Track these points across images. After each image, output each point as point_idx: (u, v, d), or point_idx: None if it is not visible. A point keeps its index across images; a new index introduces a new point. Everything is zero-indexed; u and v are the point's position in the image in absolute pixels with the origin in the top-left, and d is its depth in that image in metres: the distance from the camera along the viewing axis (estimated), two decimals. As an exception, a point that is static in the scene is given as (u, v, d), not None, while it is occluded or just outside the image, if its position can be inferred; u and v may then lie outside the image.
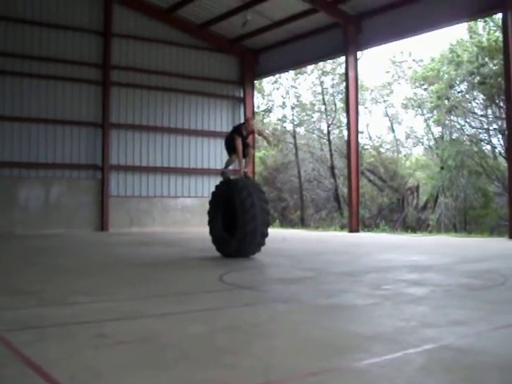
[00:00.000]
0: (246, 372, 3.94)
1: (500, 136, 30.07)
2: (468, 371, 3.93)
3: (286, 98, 40.72)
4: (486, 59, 28.69)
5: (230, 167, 14.98)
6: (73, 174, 25.78)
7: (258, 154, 35.47)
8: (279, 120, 42.17)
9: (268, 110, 42.38)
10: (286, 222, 36.15)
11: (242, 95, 31.15)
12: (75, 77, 25.81)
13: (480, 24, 29.18)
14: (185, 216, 28.66)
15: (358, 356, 4.33)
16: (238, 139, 13.58)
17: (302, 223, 35.67)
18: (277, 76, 38.28)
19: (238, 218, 12.48)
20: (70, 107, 25.70)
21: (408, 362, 4.16)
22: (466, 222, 31.03)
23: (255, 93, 33.24)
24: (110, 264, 11.80)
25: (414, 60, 36.12)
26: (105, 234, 24.70)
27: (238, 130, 13.95)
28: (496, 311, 6.19)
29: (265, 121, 42.12)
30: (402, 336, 4.97)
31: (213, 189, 29.49)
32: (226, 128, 30.31)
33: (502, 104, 27.52)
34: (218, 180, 29.62)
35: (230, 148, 14.07)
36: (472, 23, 28.97)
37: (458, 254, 13.53)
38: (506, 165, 24.47)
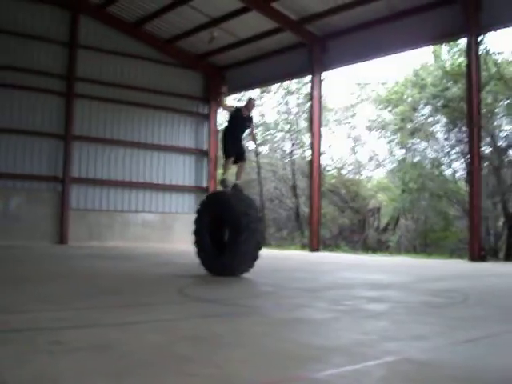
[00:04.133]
0: (205, 380, 3.87)
1: (461, 160, 30.41)
2: (429, 383, 3.90)
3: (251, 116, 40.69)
4: (450, 83, 29.05)
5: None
6: (33, 186, 25.46)
7: (220, 172, 35.33)
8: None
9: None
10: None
11: (206, 112, 31.19)
12: (39, 87, 25.61)
13: (444, 48, 29.58)
14: (145, 231, 28.46)
15: (318, 367, 4.28)
16: (229, 108, 12.85)
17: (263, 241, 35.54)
18: (241, 94, 38.33)
19: (229, 237, 11.76)
20: (33, 118, 25.47)
21: (368, 373, 4.13)
22: (426, 244, 31.28)
23: (220, 110, 33.18)
24: (70, 275, 11.62)
25: (378, 82, 36.43)
26: (64, 247, 24.41)
27: (237, 111, 12.68)
28: (456, 327, 6.20)
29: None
30: (363, 349, 4.93)
31: (175, 204, 29.55)
32: (190, 144, 30.35)
33: (464, 128, 27.85)
34: (180, 196, 29.91)
35: (225, 147, 12.72)
36: (436, 47, 29.36)
37: (418, 274, 13.61)
38: (466, 188, 24.73)
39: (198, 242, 12.40)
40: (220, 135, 13.31)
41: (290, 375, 4.08)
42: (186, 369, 4.13)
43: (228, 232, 11.89)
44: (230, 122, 12.79)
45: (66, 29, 26.54)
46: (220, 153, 34.93)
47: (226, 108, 12.89)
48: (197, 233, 12.50)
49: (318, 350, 4.86)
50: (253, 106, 13.03)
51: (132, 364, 4.24)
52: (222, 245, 12.02)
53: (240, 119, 12.54)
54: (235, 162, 12.79)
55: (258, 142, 40.60)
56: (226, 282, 10.99)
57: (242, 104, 13.27)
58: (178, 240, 28.48)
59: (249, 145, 13.78)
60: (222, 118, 39.16)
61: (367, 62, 26.14)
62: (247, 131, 13.08)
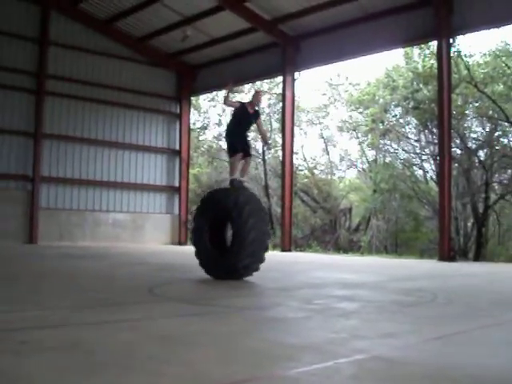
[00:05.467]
0: (174, 379, 3.84)
1: (432, 161, 30.67)
2: (398, 380, 3.93)
3: (223, 115, 40.75)
4: (421, 85, 29.28)
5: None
6: (2, 184, 25.16)
7: (192, 171, 35.28)
8: (215, 138, 42.15)
9: (204, 128, 42.30)
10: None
11: (178, 111, 31.06)
12: (8, 84, 25.28)
13: (416, 51, 29.80)
14: (116, 231, 28.26)
15: (289, 365, 4.28)
16: (234, 104, 11.80)
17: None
18: (214, 93, 38.31)
19: (234, 238, 10.88)
20: (2, 115, 25.13)
21: (338, 370, 4.13)
22: (396, 244, 31.52)
23: (191, 109, 33.14)
24: (39, 275, 11.52)
25: (350, 83, 36.60)
26: (34, 246, 24.15)
27: (242, 106, 11.63)
28: (426, 325, 6.25)
29: (200, 138, 42.03)
30: (333, 347, 4.95)
31: (146, 204, 29.38)
32: (161, 143, 30.22)
33: (434, 129, 28.08)
34: (151, 195, 29.77)
35: (231, 143, 11.74)
36: (408, 50, 29.58)
37: (389, 274, 13.68)
38: (436, 189, 24.91)
39: (197, 243, 11.46)
40: (224, 132, 12.19)
41: (261, 373, 4.06)
42: (156, 368, 4.09)
43: (233, 232, 11.02)
44: (233, 117, 11.86)
45: (36, 25, 26.23)
46: (192, 152, 35.09)
47: (230, 104, 11.94)
48: (196, 232, 11.58)
49: (290, 349, 4.86)
50: (259, 99, 12.20)
51: (100, 363, 4.19)
52: (224, 246, 11.37)
53: (245, 115, 11.55)
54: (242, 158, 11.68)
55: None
56: (199, 281, 10.95)
57: (248, 99, 12.29)
58: (150, 240, 28.40)
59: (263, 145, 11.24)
60: (194, 118, 39.23)
61: (340, 62, 26.32)
62: (253, 127, 12.39)
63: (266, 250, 11.17)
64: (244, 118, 11.54)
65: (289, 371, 4.11)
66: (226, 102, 11.75)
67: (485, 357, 4.70)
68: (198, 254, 11.41)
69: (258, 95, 12.15)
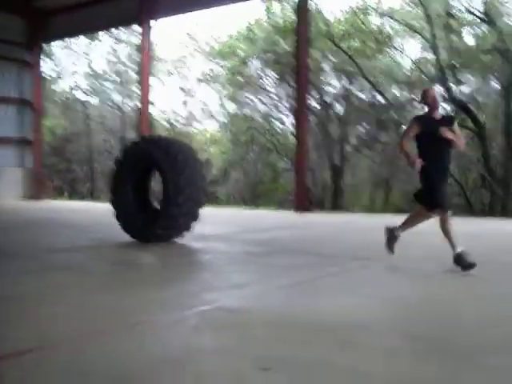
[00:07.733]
0: (17, 342, 3.67)
1: (290, 114, 31.10)
2: (239, 328, 4.01)
3: (78, 64, 39.58)
4: (280, 40, 29.48)
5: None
6: None
7: (46, 124, 34.03)
8: (70, 88, 40.91)
9: (58, 77, 40.89)
10: (76, 194, 35.24)
11: (29, 59, 29.63)
12: None
13: (277, 5, 29.97)
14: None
15: (135, 318, 4.27)
16: (409, 134, 7.14)
17: (92, 195, 34.97)
18: (67, 40, 36.95)
19: (166, 193, 9.19)
20: None
21: (182, 322, 4.18)
22: (255, 196, 31.92)
23: (44, 57, 31.85)
24: None
25: (211, 36, 36.44)
26: None
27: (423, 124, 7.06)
28: (274, 275, 6.36)
29: (55, 88, 40.65)
30: (182, 299, 4.99)
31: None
32: (13, 93, 28.80)
33: (292, 83, 28.41)
34: (2, 149, 28.45)
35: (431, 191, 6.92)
36: (268, 4, 29.69)
37: (243, 225, 13.76)
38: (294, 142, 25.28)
39: (119, 202, 9.67)
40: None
41: (106, 328, 4.03)
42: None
43: (163, 188, 9.36)
44: (421, 151, 7.09)
45: None
46: (46, 103, 33.85)
47: (408, 147, 7.13)
48: (116, 190, 9.79)
49: (138, 302, 4.85)
50: (434, 96, 7.18)
51: None
52: (150, 204, 9.95)
53: (433, 131, 6.89)
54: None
55: (88, 92, 39.67)
56: (41, 235, 10.57)
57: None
58: (4, 195, 27.24)
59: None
60: (47, 66, 37.69)
61: (199, 12, 26.06)
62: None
63: (202, 205, 9.77)
64: (432, 136, 6.93)
65: (134, 325, 4.07)
66: (404, 146, 7.12)
67: (326, 305, 4.81)
68: (118, 214, 9.62)
69: (428, 93, 7.24)
